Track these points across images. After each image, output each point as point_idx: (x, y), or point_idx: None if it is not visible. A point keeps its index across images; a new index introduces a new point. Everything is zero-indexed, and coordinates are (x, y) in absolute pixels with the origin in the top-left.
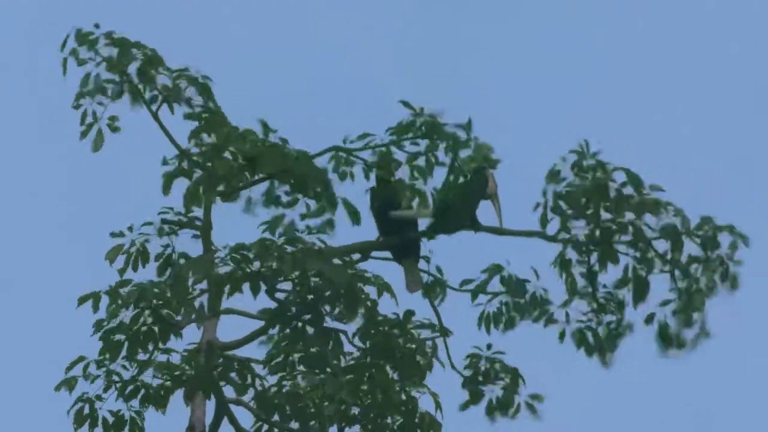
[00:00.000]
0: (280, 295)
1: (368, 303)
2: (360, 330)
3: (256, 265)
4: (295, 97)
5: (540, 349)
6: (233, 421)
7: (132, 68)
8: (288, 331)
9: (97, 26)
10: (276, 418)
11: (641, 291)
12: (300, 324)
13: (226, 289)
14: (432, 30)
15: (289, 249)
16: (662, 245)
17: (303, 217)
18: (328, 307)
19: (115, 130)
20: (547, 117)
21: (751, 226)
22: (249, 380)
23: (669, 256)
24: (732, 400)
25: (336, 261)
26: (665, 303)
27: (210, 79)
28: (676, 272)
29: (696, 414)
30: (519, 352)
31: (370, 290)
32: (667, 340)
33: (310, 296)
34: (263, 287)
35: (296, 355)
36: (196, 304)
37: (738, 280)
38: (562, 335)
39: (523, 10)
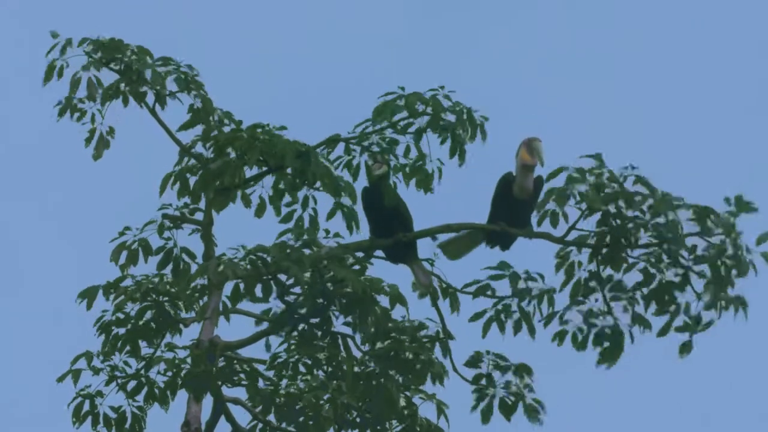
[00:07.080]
0: (289, 298)
1: (379, 311)
2: (370, 336)
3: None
4: (294, 97)
5: (540, 349)
6: (230, 419)
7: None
8: (296, 334)
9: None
10: (275, 418)
11: (661, 295)
12: (307, 327)
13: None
14: (432, 30)
15: (307, 252)
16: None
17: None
18: (337, 313)
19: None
20: (547, 116)
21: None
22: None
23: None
24: (731, 400)
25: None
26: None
27: (194, 70)
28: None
29: (696, 414)
30: (520, 353)
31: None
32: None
33: (320, 300)
34: (275, 289)
35: (301, 359)
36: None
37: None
38: (561, 337)
39: (523, 10)
